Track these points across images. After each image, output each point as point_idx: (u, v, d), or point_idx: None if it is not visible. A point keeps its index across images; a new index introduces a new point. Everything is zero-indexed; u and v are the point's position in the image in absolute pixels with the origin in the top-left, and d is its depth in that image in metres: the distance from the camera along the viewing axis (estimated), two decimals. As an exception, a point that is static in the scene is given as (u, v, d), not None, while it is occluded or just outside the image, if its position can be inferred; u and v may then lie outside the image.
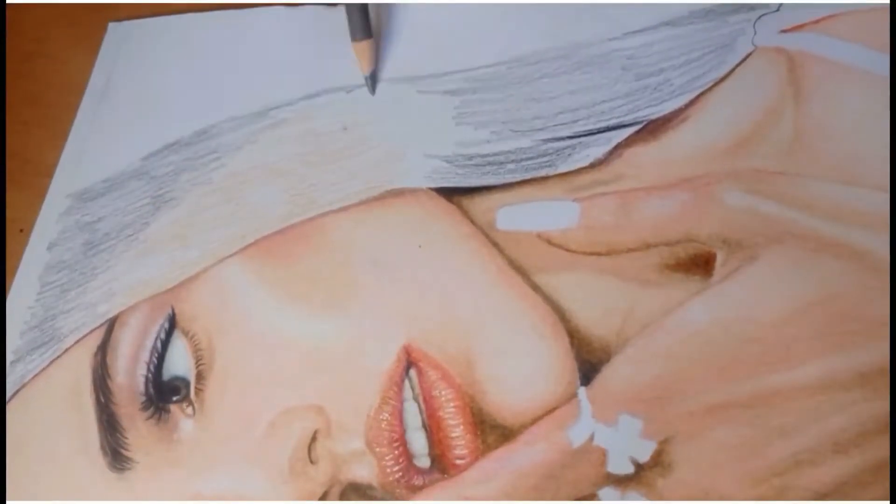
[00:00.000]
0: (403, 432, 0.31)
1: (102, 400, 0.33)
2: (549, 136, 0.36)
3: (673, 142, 0.35)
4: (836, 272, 0.30)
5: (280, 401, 0.32)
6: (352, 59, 0.39)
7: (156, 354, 0.33)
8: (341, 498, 0.30)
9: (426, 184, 0.36)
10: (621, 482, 0.28)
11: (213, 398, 0.32)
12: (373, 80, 0.38)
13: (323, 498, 0.30)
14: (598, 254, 0.33)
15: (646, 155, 0.34)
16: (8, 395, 0.34)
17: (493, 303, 0.32)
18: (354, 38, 0.38)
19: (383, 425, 0.30)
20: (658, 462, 0.28)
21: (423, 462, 0.30)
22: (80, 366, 0.34)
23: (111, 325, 0.34)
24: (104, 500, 0.31)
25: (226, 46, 0.44)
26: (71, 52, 0.46)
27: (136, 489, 0.31)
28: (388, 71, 0.40)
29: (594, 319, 0.31)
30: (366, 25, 0.38)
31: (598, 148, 0.35)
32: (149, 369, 0.33)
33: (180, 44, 0.44)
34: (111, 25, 0.46)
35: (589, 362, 0.31)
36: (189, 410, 0.32)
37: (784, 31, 0.36)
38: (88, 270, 0.37)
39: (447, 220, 0.35)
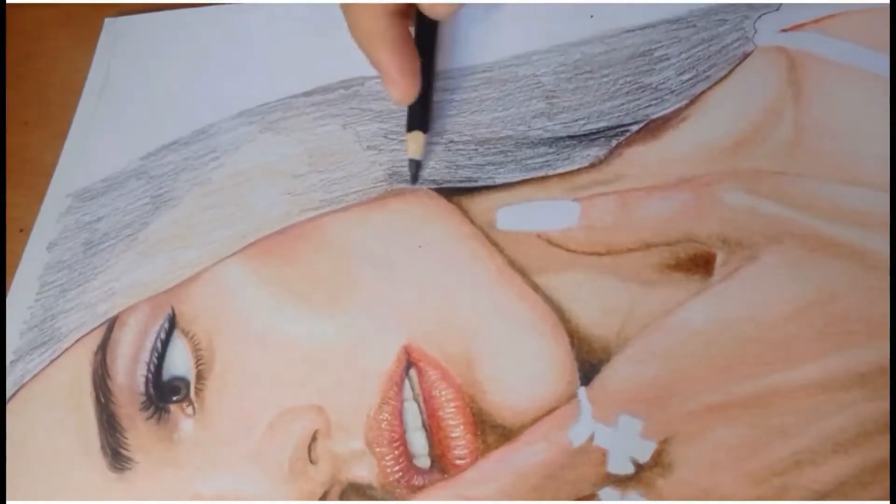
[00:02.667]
0: (403, 432, 0.31)
1: (102, 400, 0.33)
2: (550, 135, 0.36)
3: (673, 141, 0.35)
4: (836, 272, 0.30)
5: (280, 401, 0.32)
6: (349, 55, 0.39)
7: (156, 354, 0.33)
8: (341, 498, 0.30)
9: (426, 184, 0.36)
10: (621, 482, 0.28)
11: (213, 398, 0.32)
12: (416, 168, 0.36)
13: (323, 498, 0.30)
14: (598, 254, 0.33)
15: (646, 155, 0.34)
16: (8, 394, 0.34)
17: (493, 303, 0.32)
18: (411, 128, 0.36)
19: (383, 425, 0.30)
20: (658, 462, 0.28)
21: (424, 462, 0.30)
22: (80, 366, 0.34)
23: (111, 325, 0.34)
24: (104, 500, 0.31)
25: (223, 43, 0.44)
26: (69, 51, 0.46)
27: (136, 489, 0.31)
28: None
29: (594, 319, 0.31)
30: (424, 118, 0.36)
31: (598, 148, 0.35)
32: (149, 369, 0.33)
33: (177, 39, 0.44)
34: (107, 21, 0.46)
35: (589, 362, 0.30)
36: (189, 410, 0.32)
37: (784, 31, 0.36)
38: (88, 270, 0.37)
39: (447, 220, 0.35)
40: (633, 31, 0.37)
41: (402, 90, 0.34)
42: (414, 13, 0.35)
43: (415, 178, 0.36)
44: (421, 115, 0.36)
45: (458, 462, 0.30)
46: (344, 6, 0.34)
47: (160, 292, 0.35)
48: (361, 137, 0.38)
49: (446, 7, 0.33)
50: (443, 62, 0.39)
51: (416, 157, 0.36)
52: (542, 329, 0.31)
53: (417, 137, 0.35)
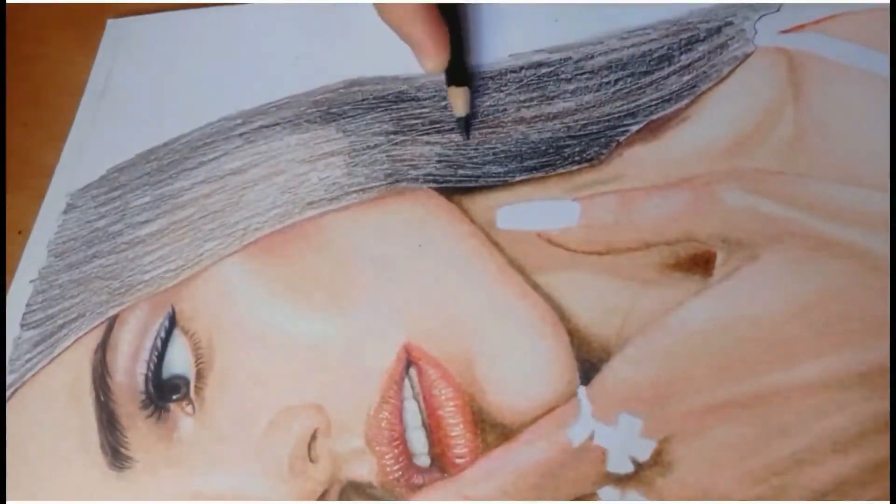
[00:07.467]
0: (403, 431, 0.31)
1: (102, 398, 0.33)
2: (550, 135, 0.36)
3: (673, 141, 0.35)
4: (836, 271, 0.30)
5: (280, 399, 0.32)
6: (350, 55, 0.39)
7: (156, 353, 0.33)
8: (341, 497, 0.30)
9: (426, 183, 0.36)
10: (621, 481, 0.28)
11: (213, 397, 0.32)
12: (466, 124, 0.37)
13: (323, 497, 0.30)
14: (598, 253, 0.33)
15: (646, 154, 0.34)
16: (7, 393, 0.34)
17: (493, 302, 0.32)
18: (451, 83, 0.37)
19: (383, 424, 0.30)
20: (658, 461, 0.28)
21: (423, 461, 0.30)
22: (80, 364, 0.34)
23: (111, 324, 0.34)
24: (104, 499, 0.31)
25: (224, 43, 0.44)
26: (70, 53, 0.46)
27: (135, 488, 0.31)
28: (388, 70, 0.40)
29: (594, 319, 0.31)
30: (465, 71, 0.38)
31: (598, 148, 0.35)
32: (149, 368, 0.33)
33: (179, 40, 0.44)
34: (110, 22, 0.46)
35: (589, 361, 0.30)
36: (189, 409, 0.32)
37: (784, 32, 0.36)
38: (88, 270, 0.37)
39: (447, 220, 0.35)
40: (634, 31, 0.37)
41: (435, 60, 0.35)
42: None
43: (467, 135, 0.37)
44: (462, 72, 0.37)
45: (457, 461, 0.30)
46: None
47: (160, 291, 0.35)
48: (361, 137, 0.38)
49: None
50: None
51: (463, 112, 0.36)
52: (541, 328, 0.31)
53: (462, 93, 0.36)
